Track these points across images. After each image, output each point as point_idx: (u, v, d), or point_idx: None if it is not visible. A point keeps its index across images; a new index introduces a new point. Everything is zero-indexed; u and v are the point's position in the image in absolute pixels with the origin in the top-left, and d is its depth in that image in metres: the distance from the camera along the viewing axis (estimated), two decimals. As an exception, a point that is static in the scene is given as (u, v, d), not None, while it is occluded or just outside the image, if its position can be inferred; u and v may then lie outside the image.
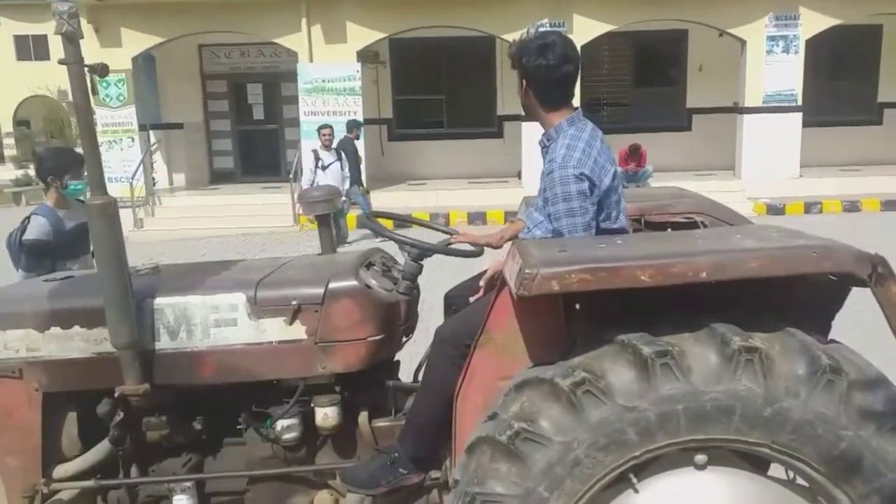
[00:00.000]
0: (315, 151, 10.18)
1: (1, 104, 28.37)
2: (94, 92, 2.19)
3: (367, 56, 13.82)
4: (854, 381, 1.69)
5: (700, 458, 1.78)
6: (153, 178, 13.83)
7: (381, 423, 2.46)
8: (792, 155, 13.28)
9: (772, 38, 13.10)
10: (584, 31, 12.45)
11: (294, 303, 2.30)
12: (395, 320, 2.43)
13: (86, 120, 2.15)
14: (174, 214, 13.05)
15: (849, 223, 10.71)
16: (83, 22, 2.08)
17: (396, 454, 2.29)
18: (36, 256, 3.63)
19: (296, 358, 2.32)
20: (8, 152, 28.40)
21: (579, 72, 2.32)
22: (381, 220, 2.70)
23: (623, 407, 1.69)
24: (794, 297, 1.94)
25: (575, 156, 2.19)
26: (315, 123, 12.36)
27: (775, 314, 1.84)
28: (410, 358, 2.75)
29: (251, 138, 15.53)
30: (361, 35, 13.07)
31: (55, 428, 2.42)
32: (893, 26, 14.41)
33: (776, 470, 1.88)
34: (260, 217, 12.40)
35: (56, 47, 24.62)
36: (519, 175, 13.72)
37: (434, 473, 2.33)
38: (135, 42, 13.12)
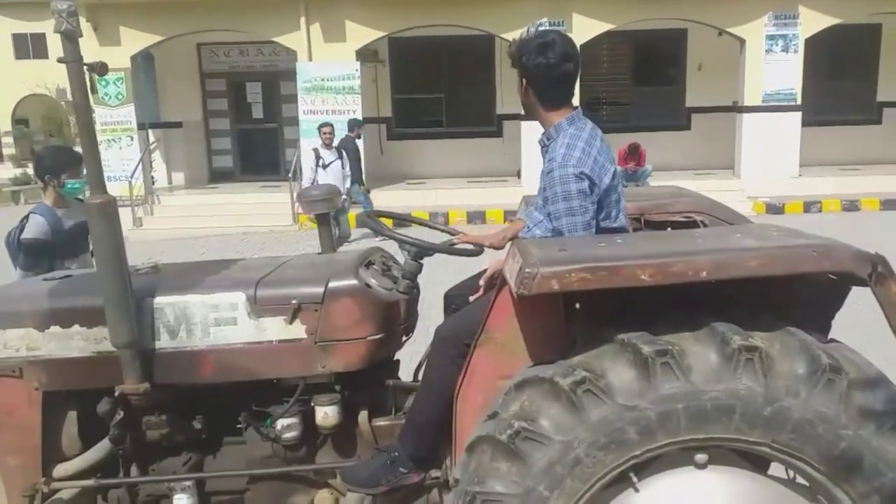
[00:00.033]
0: (316, 150, 10.17)
1: (-1, 103, 28.36)
2: (94, 90, 2.19)
3: (366, 55, 13.82)
4: (854, 380, 1.69)
5: (700, 457, 1.79)
6: (152, 177, 13.83)
7: (381, 422, 2.46)
8: (791, 154, 13.29)
9: (771, 38, 13.10)
10: (583, 29, 12.45)
11: (294, 302, 2.29)
12: (395, 319, 2.43)
13: (85, 118, 2.14)
14: (173, 213, 13.05)
15: (848, 222, 10.72)
16: (82, 20, 2.07)
17: (396, 453, 2.29)
18: (34, 255, 3.63)
19: (296, 357, 2.32)
20: (6, 151, 28.37)
21: (579, 70, 2.32)
22: (383, 220, 2.70)
23: (623, 406, 1.69)
24: (794, 297, 1.95)
25: (575, 155, 2.19)
26: (314, 122, 12.35)
27: (775, 313, 1.84)
28: (410, 357, 2.75)
29: (250, 137, 15.52)
30: (360, 34, 13.07)
31: (55, 427, 2.42)
32: (893, 25, 14.42)
33: (776, 469, 1.89)
34: (259, 216, 12.39)
35: (54, 46, 24.61)
36: (518, 174, 13.72)
37: (434, 472, 2.33)
38: (134, 41, 13.11)
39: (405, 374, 2.74)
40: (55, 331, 2.32)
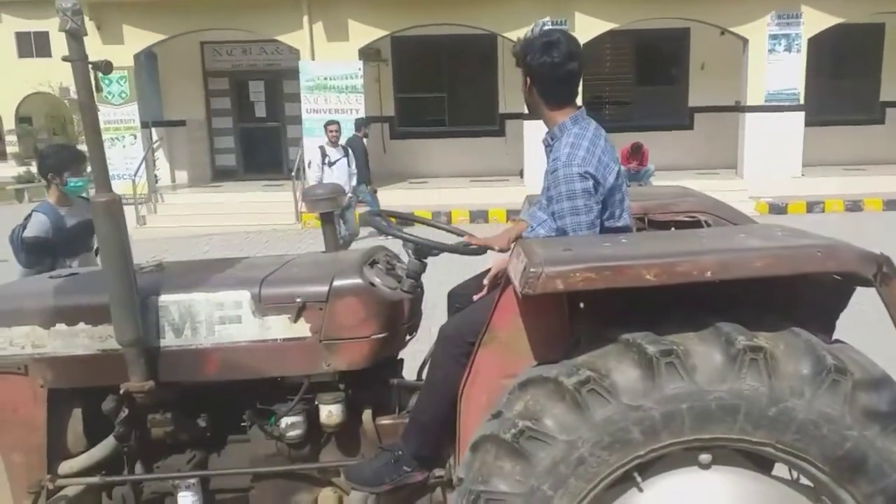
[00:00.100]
0: (322, 148, 10.15)
1: (3, 101, 28.40)
2: (98, 89, 2.19)
3: (368, 54, 13.81)
4: (859, 381, 1.69)
5: (704, 457, 1.79)
6: (155, 176, 13.84)
7: (384, 420, 2.46)
8: (794, 154, 13.26)
9: (774, 37, 13.08)
10: (585, 29, 12.44)
11: (298, 300, 2.30)
12: (399, 318, 2.43)
13: (90, 117, 2.14)
14: (176, 212, 13.06)
15: (851, 223, 10.70)
16: (85, 19, 2.08)
17: (400, 452, 2.29)
18: (36, 253, 3.63)
19: (300, 355, 2.33)
20: (10, 149, 28.43)
21: (583, 70, 2.32)
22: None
23: (628, 406, 1.69)
24: (799, 297, 1.94)
25: (579, 154, 2.19)
26: (317, 121, 12.36)
27: (780, 314, 1.84)
28: (414, 356, 2.76)
29: (253, 136, 15.54)
30: (363, 33, 13.07)
31: (60, 424, 2.43)
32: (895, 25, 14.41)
33: (780, 469, 1.89)
34: (262, 214, 12.40)
35: (58, 44, 24.60)
36: (521, 173, 13.72)
37: (438, 471, 2.34)
38: (137, 39, 13.12)
39: (409, 373, 2.74)
40: (60, 328, 2.33)
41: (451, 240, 2.62)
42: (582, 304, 1.94)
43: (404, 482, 2.28)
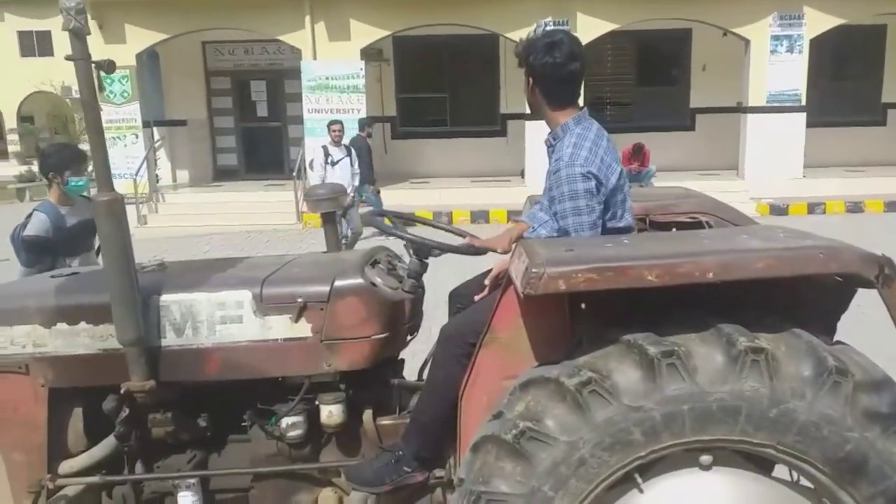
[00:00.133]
0: (325, 147, 10.15)
1: (5, 100, 28.43)
2: (101, 88, 2.19)
3: (370, 54, 13.82)
4: (860, 382, 1.69)
5: (705, 458, 1.79)
6: (156, 175, 13.85)
7: (385, 421, 2.46)
8: (795, 155, 13.26)
9: (776, 38, 13.07)
10: (587, 29, 12.43)
11: (300, 300, 2.30)
12: (400, 318, 2.43)
13: (93, 116, 2.14)
14: (177, 211, 13.07)
15: (852, 224, 10.70)
16: (87, 18, 2.09)
17: (401, 452, 2.29)
18: (36, 252, 3.63)
19: (301, 355, 2.33)
20: (12, 148, 28.46)
21: (586, 70, 2.32)
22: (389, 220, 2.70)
23: (629, 407, 1.69)
24: (800, 298, 1.94)
25: (582, 154, 2.19)
26: (319, 121, 12.36)
27: (781, 315, 1.84)
28: (414, 356, 2.76)
29: (255, 135, 15.55)
30: (365, 33, 13.08)
31: (61, 424, 2.43)
32: (898, 26, 14.39)
33: (780, 470, 1.88)
34: (263, 214, 12.41)
35: (60, 43, 24.66)
36: (522, 174, 13.72)
37: (438, 472, 2.33)
38: (139, 38, 13.14)
39: (410, 373, 2.74)
40: (62, 327, 2.33)
41: (453, 240, 2.62)
42: (583, 305, 1.94)
43: (405, 482, 2.28)
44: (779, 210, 12.43)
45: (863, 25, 13.80)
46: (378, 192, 11.31)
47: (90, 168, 3.70)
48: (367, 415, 2.45)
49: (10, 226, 3.82)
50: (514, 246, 2.42)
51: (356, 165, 10.25)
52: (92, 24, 12.51)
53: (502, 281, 2.10)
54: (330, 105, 12.97)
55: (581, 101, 2.40)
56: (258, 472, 2.46)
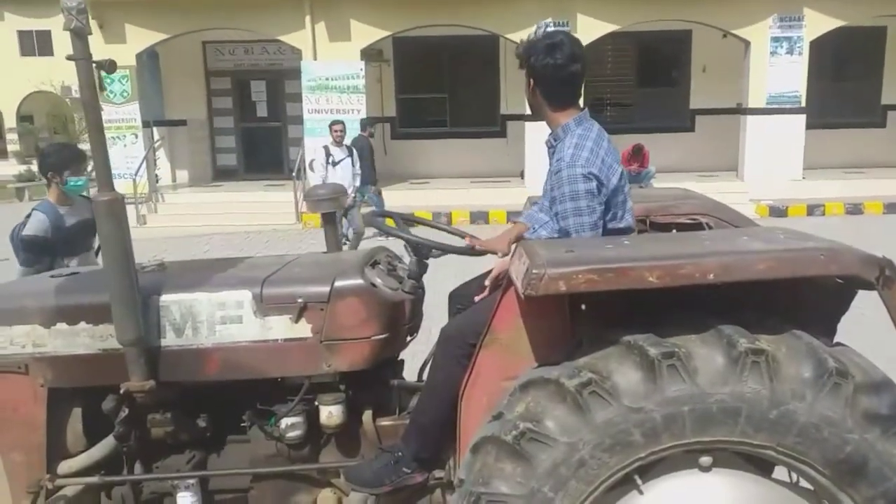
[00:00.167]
0: (326, 147, 10.14)
1: (4, 100, 28.41)
2: (102, 88, 2.19)
3: (370, 54, 13.82)
4: (860, 384, 1.69)
5: (705, 459, 1.79)
6: (156, 175, 13.85)
7: (385, 421, 2.46)
8: (795, 157, 13.26)
9: (776, 40, 13.07)
10: (587, 30, 12.43)
11: (300, 301, 2.30)
12: (400, 319, 2.43)
13: (94, 116, 2.14)
14: (177, 211, 13.07)
15: (852, 226, 10.71)
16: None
17: (400, 453, 2.29)
18: (34, 252, 3.62)
19: (301, 356, 2.32)
20: (11, 148, 28.44)
21: (587, 71, 2.32)
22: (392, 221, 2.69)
23: (629, 408, 1.69)
24: (800, 300, 1.94)
25: (583, 155, 2.19)
26: (319, 121, 12.36)
27: (781, 316, 1.84)
28: (414, 357, 2.76)
29: (254, 135, 15.55)
30: (365, 33, 13.08)
31: (60, 424, 2.43)
32: (898, 28, 14.40)
33: (780, 472, 1.88)
34: (263, 214, 12.41)
35: (60, 43, 24.65)
36: (522, 175, 13.71)
37: (438, 473, 2.33)
38: (139, 38, 13.13)
39: (409, 373, 2.74)
40: (61, 327, 2.33)
41: (452, 241, 2.62)
42: (583, 306, 1.94)
43: (404, 483, 2.28)
44: (778, 212, 12.43)
45: (863, 27, 13.81)
46: (380, 192, 11.31)
47: (90, 168, 3.70)
48: (367, 415, 2.45)
49: (9, 225, 3.81)
50: (513, 247, 2.43)
51: (357, 166, 10.24)
52: (92, 24, 12.50)
53: (502, 282, 2.09)
54: (330, 105, 12.97)
55: (581, 102, 2.40)
56: (257, 472, 2.46)
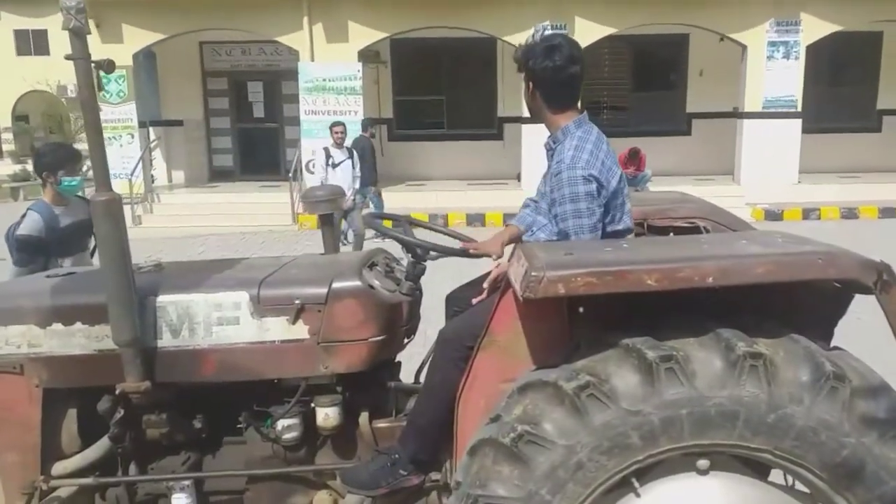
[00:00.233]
0: (326, 149, 10.13)
1: (0, 99, 28.31)
2: (100, 88, 2.18)
3: (368, 56, 13.82)
4: (857, 388, 1.69)
5: (702, 462, 1.79)
6: (152, 176, 13.82)
7: (381, 423, 2.46)
8: (791, 161, 13.31)
9: (772, 44, 13.12)
10: (585, 33, 12.45)
11: (297, 302, 2.29)
12: (398, 321, 2.43)
13: (92, 116, 2.14)
14: (173, 212, 13.04)
15: (847, 230, 10.74)
16: (85, 17, 2.10)
17: (397, 455, 2.28)
18: (28, 252, 3.60)
19: (298, 357, 2.32)
20: (6, 147, 28.36)
21: (585, 73, 2.33)
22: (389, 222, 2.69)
23: (627, 411, 1.69)
24: (798, 304, 1.95)
25: (583, 157, 2.20)
26: (315, 122, 12.36)
27: (779, 320, 1.84)
28: (411, 359, 2.75)
29: (251, 136, 15.52)
30: (363, 35, 13.08)
31: (55, 424, 2.42)
32: (894, 33, 14.44)
33: (776, 475, 1.88)
34: (259, 215, 12.39)
35: (56, 42, 24.62)
36: (518, 177, 13.72)
37: (434, 475, 2.33)
38: (136, 38, 13.11)
39: (406, 375, 2.73)
40: (57, 328, 2.32)
41: (447, 243, 2.62)
42: (581, 309, 1.94)
43: (401, 486, 2.27)
44: (774, 215, 12.47)
45: (859, 32, 13.86)
46: (379, 193, 11.29)
47: (85, 168, 3.69)
48: (364, 417, 2.45)
49: (3, 225, 3.80)
50: (507, 249, 2.44)
51: (357, 168, 10.22)
52: (89, 24, 12.52)
53: (500, 284, 2.09)
54: (327, 107, 12.97)
55: (579, 105, 2.40)
56: (253, 474, 2.45)
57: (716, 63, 14.28)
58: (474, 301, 2.42)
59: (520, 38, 2.41)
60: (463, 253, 2.50)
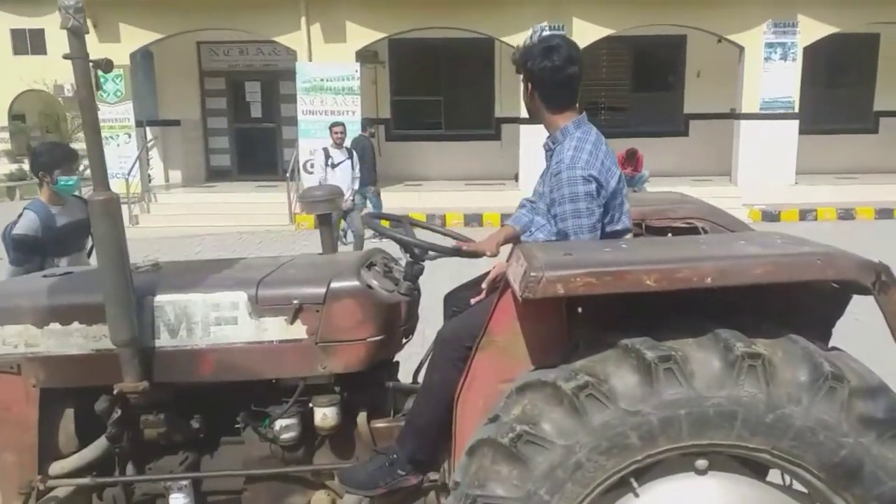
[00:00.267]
0: (326, 149, 10.11)
1: (-4, 98, 28.23)
2: (98, 87, 2.18)
3: (365, 56, 13.82)
4: (855, 388, 1.70)
5: (701, 462, 1.79)
6: (149, 175, 13.81)
7: (379, 423, 2.45)
8: (788, 162, 13.34)
9: (770, 45, 13.15)
10: (583, 34, 12.46)
11: (295, 302, 2.29)
12: (396, 321, 2.42)
13: (90, 116, 2.13)
14: (170, 211, 13.02)
15: (844, 231, 10.76)
16: (82, 17, 2.10)
17: (395, 455, 2.28)
18: (24, 252, 3.59)
19: (296, 357, 2.31)
20: (2, 146, 28.23)
21: (583, 74, 2.33)
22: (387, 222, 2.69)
23: (626, 411, 1.69)
24: (796, 304, 1.95)
25: (583, 157, 2.20)
26: (313, 122, 12.35)
27: (777, 321, 1.84)
28: (409, 359, 2.75)
29: (248, 136, 15.52)
30: (361, 35, 13.07)
31: (52, 424, 2.41)
32: (891, 35, 14.48)
33: (774, 474, 1.89)
34: (256, 215, 12.38)
35: (53, 41, 24.55)
36: (516, 178, 13.73)
37: (433, 475, 2.33)
38: (133, 38, 13.09)
39: (405, 375, 2.73)
40: (54, 327, 2.31)
41: (444, 243, 2.62)
42: (580, 309, 1.94)
43: (399, 486, 2.27)
44: (771, 216, 12.49)
45: (856, 34, 13.89)
46: (378, 193, 11.28)
47: (82, 167, 3.68)
48: (362, 417, 2.44)
49: (1, 224, 3.79)
50: (500, 249, 2.44)
51: (357, 168, 10.21)
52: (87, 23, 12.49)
53: (499, 284, 2.09)
54: (324, 107, 12.96)
55: (578, 106, 2.41)
56: (251, 474, 2.45)
57: (713, 64, 14.31)
58: (473, 301, 2.42)
59: (518, 39, 2.41)
60: (457, 252, 2.50)
